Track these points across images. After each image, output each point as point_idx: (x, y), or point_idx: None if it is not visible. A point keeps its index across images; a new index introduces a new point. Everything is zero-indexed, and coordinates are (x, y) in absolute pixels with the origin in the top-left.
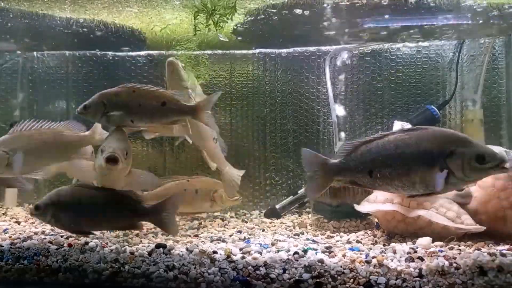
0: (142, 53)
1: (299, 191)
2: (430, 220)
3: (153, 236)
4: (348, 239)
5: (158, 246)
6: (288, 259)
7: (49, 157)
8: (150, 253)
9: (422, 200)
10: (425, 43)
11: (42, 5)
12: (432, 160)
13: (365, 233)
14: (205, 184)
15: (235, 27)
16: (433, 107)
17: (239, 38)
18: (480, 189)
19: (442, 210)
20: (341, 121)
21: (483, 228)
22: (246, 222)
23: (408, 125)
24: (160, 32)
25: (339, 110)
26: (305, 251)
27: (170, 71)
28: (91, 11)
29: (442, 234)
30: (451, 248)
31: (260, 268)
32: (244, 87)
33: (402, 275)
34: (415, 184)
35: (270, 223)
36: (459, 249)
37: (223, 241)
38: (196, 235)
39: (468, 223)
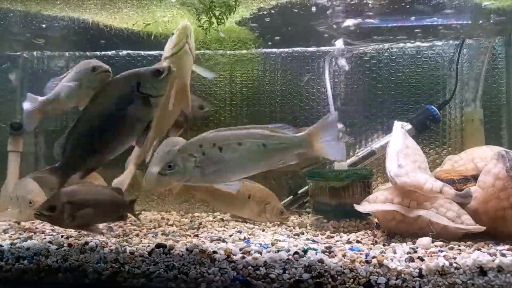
0: (143, 53)
1: (299, 191)
2: (430, 220)
3: (153, 236)
4: (348, 239)
5: (158, 246)
6: (288, 259)
7: None
8: (150, 253)
9: (422, 200)
10: (425, 43)
11: (38, 5)
12: None
13: (365, 233)
14: (260, 193)
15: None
16: (433, 107)
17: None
18: (480, 189)
19: (442, 210)
20: (341, 121)
21: (483, 228)
22: (246, 222)
23: (408, 125)
24: (144, 28)
25: (338, 110)
26: (305, 251)
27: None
28: (82, 10)
29: (442, 234)
30: (451, 248)
31: (260, 268)
32: (244, 87)
33: (402, 275)
34: None
35: (270, 223)
36: (459, 249)
37: (223, 241)
38: (196, 235)
39: (468, 223)
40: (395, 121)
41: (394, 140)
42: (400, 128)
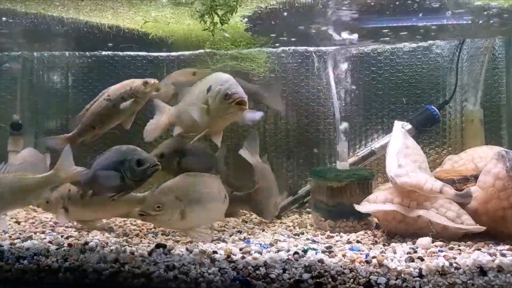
0: (142, 53)
1: (299, 191)
2: (430, 220)
3: (153, 236)
4: (348, 239)
5: (158, 246)
6: (288, 259)
7: (8, 203)
8: (150, 253)
9: (422, 200)
10: (425, 43)
11: (39, 5)
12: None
13: (365, 233)
14: None
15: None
16: (433, 107)
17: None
18: (480, 189)
19: (442, 210)
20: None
21: (482, 228)
22: (246, 222)
23: (408, 125)
24: (142, 26)
25: (341, 110)
26: (305, 251)
27: None
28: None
29: (442, 234)
30: (451, 248)
31: (260, 268)
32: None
33: (402, 275)
34: None
35: (270, 223)
36: (459, 249)
37: (223, 241)
38: None
39: (468, 223)
40: (395, 121)
41: (394, 140)
42: (400, 128)
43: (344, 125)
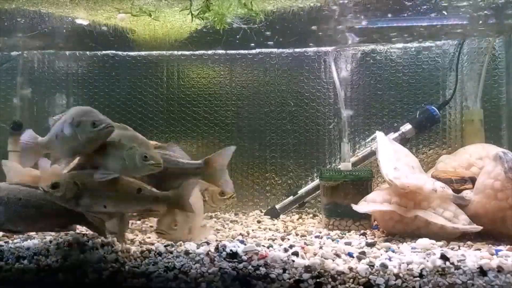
0: (143, 53)
1: (299, 191)
2: (427, 220)
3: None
4: (348, 239)
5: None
6: (288, 258)
7: None
8: (150, 253)
9: (419, 200)
10: (426, 43)
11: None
12: None
13: (365, 233)
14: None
15: None
16: (433, 107)
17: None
18: (479, 190)
19: (440, 210)
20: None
21: (479, 227)
22: (246, 222)
23: (408, 126)
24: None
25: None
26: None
27: None
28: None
29: (439, 234)
30: (452, 248)
31: (260, 268)
32: (244, 87)
33: (402, 275)
34: None
35: (273, 224)
36: (459, 249)
37: (223, 241)
38: None
39: (465, 223)
40: (377, 131)
41: (381, 148)
42: (384, 136)
43: (347, 125)
